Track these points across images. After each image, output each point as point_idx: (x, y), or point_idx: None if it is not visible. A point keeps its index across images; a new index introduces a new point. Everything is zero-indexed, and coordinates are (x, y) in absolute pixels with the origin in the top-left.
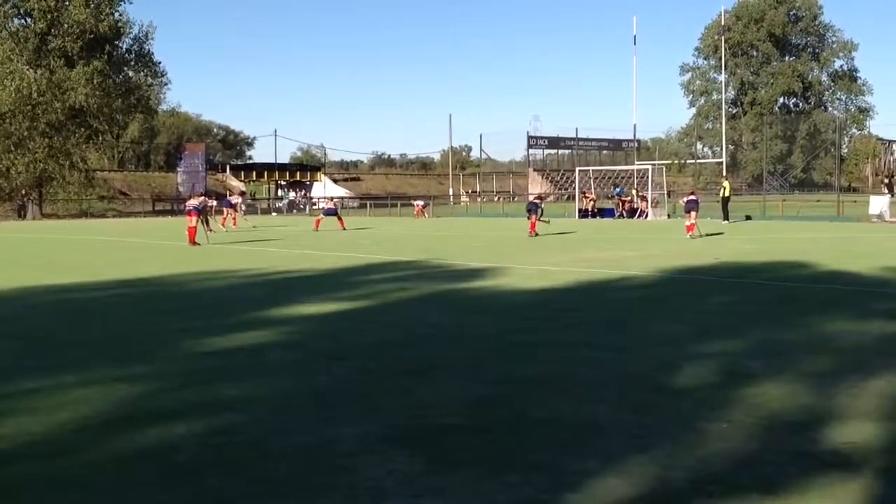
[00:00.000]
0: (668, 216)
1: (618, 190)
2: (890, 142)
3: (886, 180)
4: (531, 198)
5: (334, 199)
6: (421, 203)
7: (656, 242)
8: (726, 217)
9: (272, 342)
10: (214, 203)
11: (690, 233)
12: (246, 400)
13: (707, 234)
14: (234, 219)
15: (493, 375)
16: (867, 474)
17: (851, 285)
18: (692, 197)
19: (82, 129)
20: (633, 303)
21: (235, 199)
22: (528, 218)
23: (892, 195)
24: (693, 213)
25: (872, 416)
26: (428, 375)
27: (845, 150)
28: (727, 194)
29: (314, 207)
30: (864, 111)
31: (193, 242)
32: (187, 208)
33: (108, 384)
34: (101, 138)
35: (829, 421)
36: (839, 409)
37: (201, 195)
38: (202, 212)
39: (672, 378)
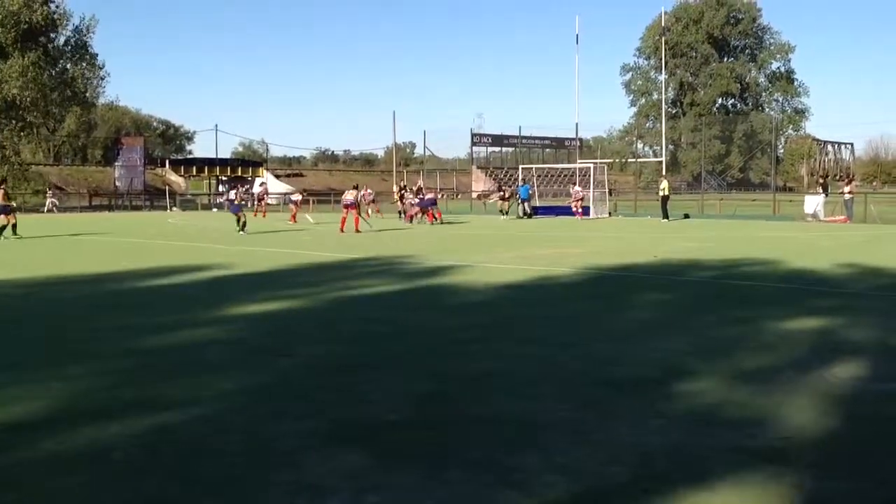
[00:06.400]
0: (609, 214)
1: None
2: (825, 142)
3: (821, 180)
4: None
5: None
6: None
7: (598, 241)
8: (665, 216)
9: (212, 340)
10: (372, 193)
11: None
12: (184, 398)
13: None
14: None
15: (437, 372)
16: (800, 469)
17: (786, 282)
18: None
19: (15, 122)
20: (575, 299)
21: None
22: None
23: (827, 195)
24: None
25: (806, 411)
26: (371, 372)
27: (781, 151)
28: (667, 193)
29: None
30: (801, 112)
31: (357, 230)
32: (343, 202)
33: (42, 383)
34: (35, 131)
35: (764, 417)
36: (774, 406)
37: (355, 188)
38: (358, 204)
39: (613, 374)
